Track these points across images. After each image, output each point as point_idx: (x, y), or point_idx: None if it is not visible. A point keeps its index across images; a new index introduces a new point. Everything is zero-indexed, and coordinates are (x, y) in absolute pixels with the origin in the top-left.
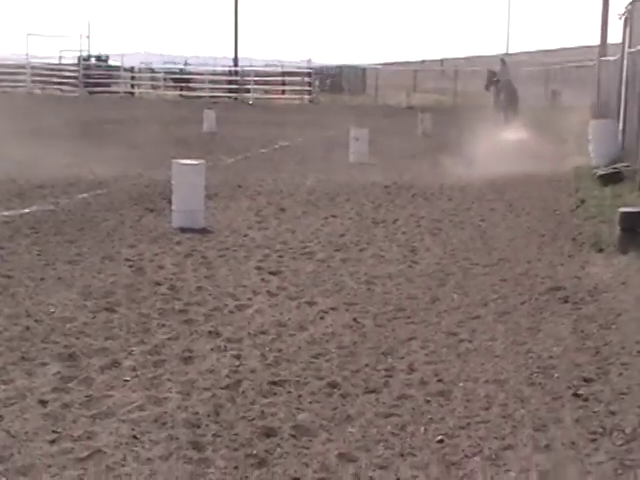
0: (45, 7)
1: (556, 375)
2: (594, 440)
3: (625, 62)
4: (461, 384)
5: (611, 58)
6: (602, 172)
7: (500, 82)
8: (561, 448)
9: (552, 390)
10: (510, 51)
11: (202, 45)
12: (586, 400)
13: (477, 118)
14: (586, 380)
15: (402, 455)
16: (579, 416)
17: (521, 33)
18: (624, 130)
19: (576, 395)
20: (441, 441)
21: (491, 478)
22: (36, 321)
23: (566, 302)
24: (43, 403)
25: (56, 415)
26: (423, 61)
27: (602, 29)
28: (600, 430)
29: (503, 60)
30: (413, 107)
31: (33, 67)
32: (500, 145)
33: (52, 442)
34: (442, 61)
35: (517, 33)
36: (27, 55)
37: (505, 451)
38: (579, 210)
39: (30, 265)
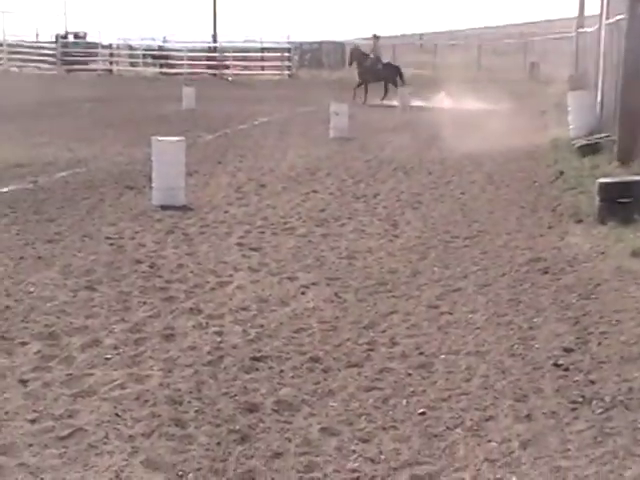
0: None
1: (536, 346)
2: (574, 409)
3: (603, 33)
4: (442, 356)
5: (589, 29)
6: (581, 143)
7: (371, 57)
8: (542, 418)
9: (532, 360)
10: (489, 24)
11: (180, 26)
12: (566, 370)
13: (456, 91)
14: (566, 350)
15: (384, 428)
16: (559, 386)
17: (500, 6)
18: (602, 101)
19: (556, 365)
20: (423, 413)
21: (473, 449)
22: (16, 300)
23: (546, 273)
24: (24, 382)
25: (37, 394)
26: (402, 35)
27: (580, 0)
28: (580, 399)
29: (376, 36)
30: None
31: (9, 45)
32: (478, 117)
33: (33, 421)
34: (421, 35)
35: (495, 6)
36: (3, 33)
37: (486, 422)
38: (558, 181)
39: (9, 244)
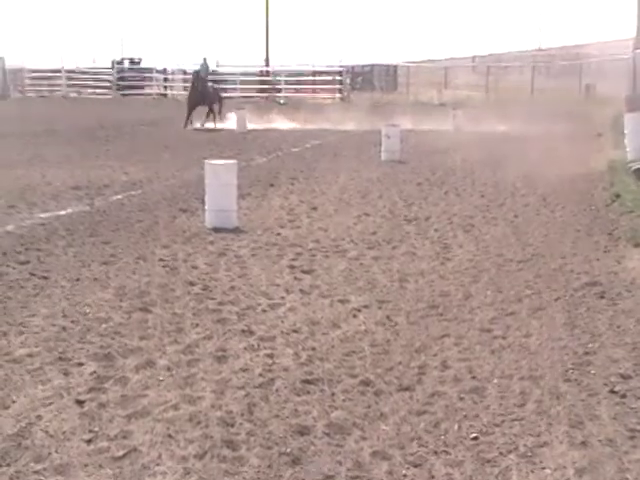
0: (80, 12)
1: (592, 371)
2: (632, 437)
3: None
4: (495, 381)
5: None
6: (638, 166)
7: (200, 78)
8: (598, 445)
9: (588, 386)
10: (543, 46)
11: (233, 51)
12: (623, 397)
13: (510, 113)
14: (623, 376)
15: (436, 453)
16: (616, 413)
17: (554, 27)
18: None
19: (613, 392)
20: (475, 438)
21: (526, 475)
22: (72, 321)
23: (602, 297)
24: (80, 403)
25: (92, 414)
26: (461, 58)
27: (638, 20)
28: (638, 427)
29: (205, 59)
30: (445, 104)
31: (68, 71)
32: (531, 140)
33: (89, 441)
34: (474, 58)
35: (550, 27)
36: (61, 59)
37: (541, 448)
38: (615, 204)
39: (66, 266)
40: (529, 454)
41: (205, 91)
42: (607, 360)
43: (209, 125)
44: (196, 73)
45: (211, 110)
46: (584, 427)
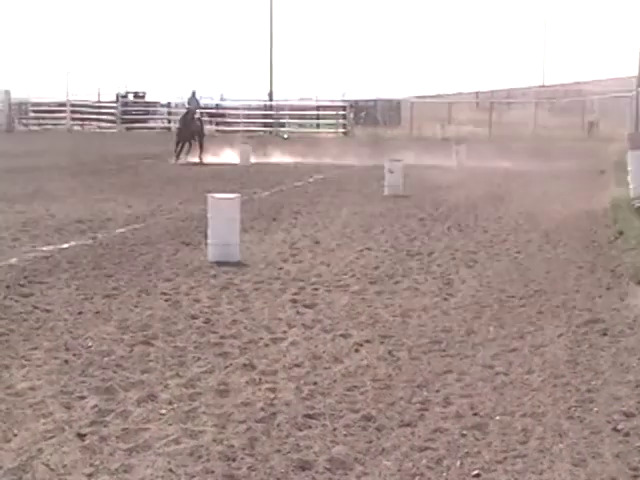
0: (85, 46)
1: (595, 409)
2: (635, 476)
3: None
4: (497, 417)
5: None
6: None
7: (190, 113)
8: None
9: (591, 424)
10: (546, 82)
11: (237, 84)
12: (627, 435)
13: (513, 150)
14: (626, 414)
15: None
16: (619, 451)
17: (557, 64)
18: None
19: (616, 430)
20: (477, 475)
21: None
22: (74, 355)
23: (605, 335)
24: (81, 436)
25: (94, 448)
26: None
27: None
28: None
29: (193, 92)
30: (448, 139)
31: (73, 105)
32: (534, 176)
33: (90, 475)
34: (477, 93)
35: (553, 64)
36: (66, 93)
37: None
38: (618, 242)
39: (69, 299)
40: None
41: (194, 125)
42: (610, 398)
43: (195, 160)
44: (187, 109)
45: (199, 144)
46: (587, 465)
